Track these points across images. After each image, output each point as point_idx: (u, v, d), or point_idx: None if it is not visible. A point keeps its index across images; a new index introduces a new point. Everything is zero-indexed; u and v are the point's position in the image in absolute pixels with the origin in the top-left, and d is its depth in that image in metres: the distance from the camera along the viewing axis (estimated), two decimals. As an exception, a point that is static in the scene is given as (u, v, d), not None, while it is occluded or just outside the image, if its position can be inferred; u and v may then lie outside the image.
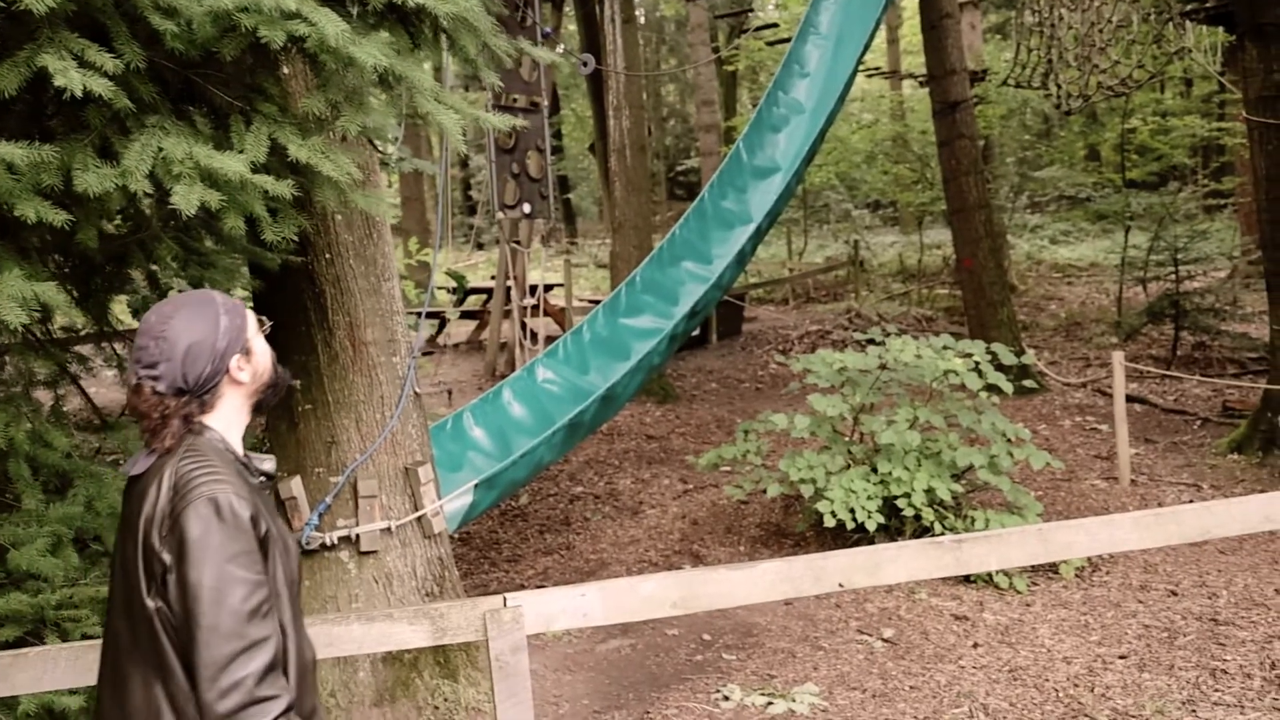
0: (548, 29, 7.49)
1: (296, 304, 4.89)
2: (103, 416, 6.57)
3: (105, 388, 7.90)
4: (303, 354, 4.92)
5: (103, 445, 5.33)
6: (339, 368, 4.93)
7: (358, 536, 4.87)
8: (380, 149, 5.29)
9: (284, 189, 3.04)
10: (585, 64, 8.20)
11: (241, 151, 3.04)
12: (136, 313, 6.29)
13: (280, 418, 5.02)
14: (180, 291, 2.26)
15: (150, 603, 2.10)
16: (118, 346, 5.69)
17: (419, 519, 5.00)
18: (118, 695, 2.18)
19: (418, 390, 5.23)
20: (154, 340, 2.19)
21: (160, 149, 2.91)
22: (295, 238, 3.49)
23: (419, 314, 6.05)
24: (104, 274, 4.13)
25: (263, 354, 2.36)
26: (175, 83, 3.17)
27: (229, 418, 2.30)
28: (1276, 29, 8.52)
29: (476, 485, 6.14)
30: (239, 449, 2.31)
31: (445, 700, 4.97)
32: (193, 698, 2.06)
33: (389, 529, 4.91)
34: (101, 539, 4.05)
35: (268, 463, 2.38)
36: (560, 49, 9.47)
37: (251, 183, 2.99)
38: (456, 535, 7.98)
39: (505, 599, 3.19)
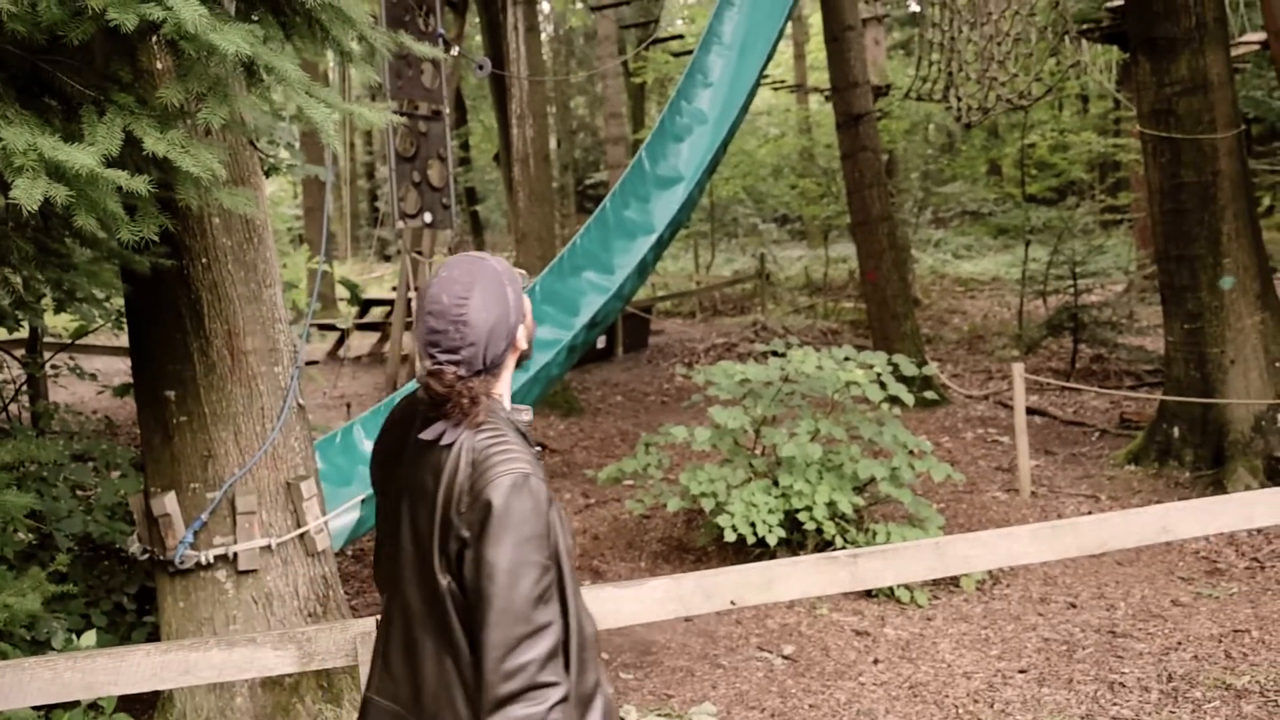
0: (442, 32, 7.29)
1: (171, 310, 4.62)
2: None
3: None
4: (177, 363, 4.65)
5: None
6: (216, 378, 4.68)
7: (235, 555, 4.62)
8: (263, 151, 5.07)
9: (140, 185, 2.82)
10: (481, 66, 8.01)
11: (93, 144, 2.83)
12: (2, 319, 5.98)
13: (154, 430, 4.75)
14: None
15: (441, 579, 2.08)
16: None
17: (301, 536, 4.77)
18: (410, 663, 2.17)
19: (301, 402, 4.99)
20: (453, 324, 2.14)
21: (0, 139, 2.69)
22: (157, 238, 3.27)
23: (309, 324, 5.82)
24: (-50, 275, 3.87)
25: (530, 313, 2.32)
26: (21, 69, 2.94)
27: (506, 380, 2.29)
28: (1169, 42, 8.61)
29: (364, 500, 5.92)
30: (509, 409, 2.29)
31: (328, 726, 4.75)
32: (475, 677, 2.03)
33: (269, 547, 4.66)
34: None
35: (526, 414, 2.31)
36: (455, 51, 9.27)
37: (103, 177, 2.78)
38: (349, 552, 7.73)
39: (378, 620, 3.01)
